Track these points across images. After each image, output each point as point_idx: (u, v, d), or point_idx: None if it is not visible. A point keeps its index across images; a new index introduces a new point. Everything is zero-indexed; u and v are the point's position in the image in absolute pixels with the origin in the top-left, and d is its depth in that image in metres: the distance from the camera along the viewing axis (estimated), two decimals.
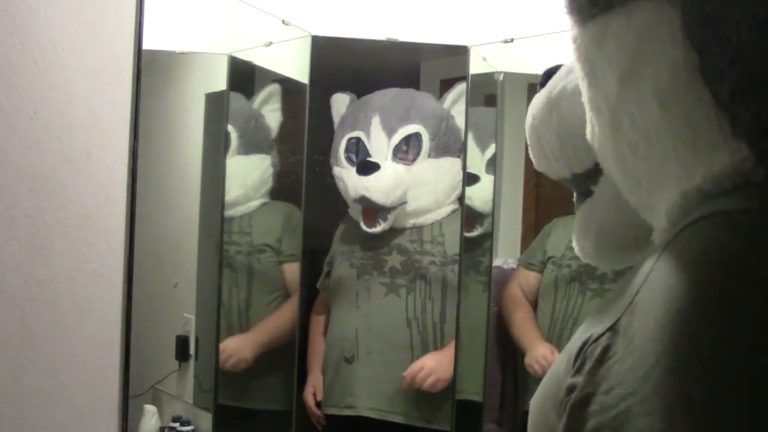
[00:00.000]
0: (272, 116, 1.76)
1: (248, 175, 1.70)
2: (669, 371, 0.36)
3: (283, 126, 1.82)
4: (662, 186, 0.47)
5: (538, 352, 1.57)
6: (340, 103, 1.83)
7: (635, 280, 0.43)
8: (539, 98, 0.67)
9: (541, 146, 0.66)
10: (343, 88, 1.86)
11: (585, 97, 0.52)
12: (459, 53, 1.71)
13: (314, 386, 1.78)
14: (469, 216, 1.73)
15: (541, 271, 1.69)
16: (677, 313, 0.37)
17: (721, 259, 0.37)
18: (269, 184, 1.77)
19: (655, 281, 0.39)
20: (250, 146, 1.71)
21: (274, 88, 1.75)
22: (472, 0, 1.76)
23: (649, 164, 0.48)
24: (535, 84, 0.71)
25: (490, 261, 1.77)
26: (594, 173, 0.59)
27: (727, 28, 0.40)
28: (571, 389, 0.43)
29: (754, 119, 0.40)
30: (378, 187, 1.64)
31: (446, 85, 1.81)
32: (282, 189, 1.87)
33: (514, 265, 1.80)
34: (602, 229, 0.61)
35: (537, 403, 0.50)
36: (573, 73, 0.63)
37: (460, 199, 1.74)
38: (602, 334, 0.43)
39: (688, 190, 0.44)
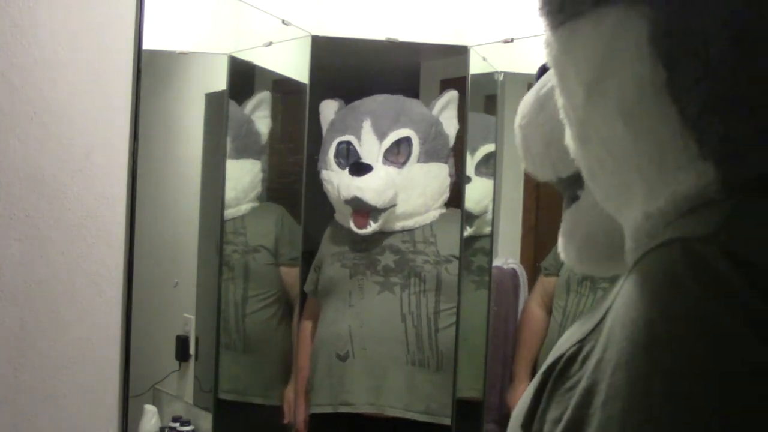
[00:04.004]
0: (263, 122, 1.77)
1: (239, 179, 1.71)
2: (615, 410, 0.35)
3: (274, 132, 1.83)
4: (629, 204, 0.45)
5: (516, 394, 1.64)
6: (329, 108, 1.83)
7: (605, 302, 0.42)
8: (528, 97, 0.65)
9: (528, 147, 0.64)
10: (343, 89, 1.86)
11: (558, 104, 0.50)
12: (459, 53, 1.71)
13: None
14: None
15: (557, 274, 1.70)
16: (629, 354, 0.36)
17: (673, 292, 0.35)
18: (258, 189, 1.77)
19: (620, 309, 0.38)
20: (240, 151, 1.71)
21: (265, 95, 1.76)
22: (472, 0, 1.76)
23: (615, 180, 0.45)
24: None
25: (490, 261, 1.78)
26: (579, 178, 0.56)
27: (697, 43, 0.38)
28: (532, 408, 0.43)
29: (722, 140, 0.38)
30: (370, 188, 1.65)
31: (446, 85, 1.81)
32: (281, 189, 1.87)
33: (515, 265, 1.81)
34: (587, 235, 0.59)
35: (511, 422, 0.50)
36: None
37: (455, 199, 1.75)
38: (563, 355, 0.43)
39: (652, 212, 0.42)
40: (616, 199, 0.46)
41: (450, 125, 1.77)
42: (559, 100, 0.49)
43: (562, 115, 0.49)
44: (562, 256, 0.63)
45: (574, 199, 0.61)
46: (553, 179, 0.63)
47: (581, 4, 0.44)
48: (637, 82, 0.41)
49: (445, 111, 1.77)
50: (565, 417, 0.39)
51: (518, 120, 0.65)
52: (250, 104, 1.73)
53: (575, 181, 0.57)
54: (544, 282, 1.74)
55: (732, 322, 0.33)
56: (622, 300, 0.39)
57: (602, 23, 0.42)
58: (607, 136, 0.44)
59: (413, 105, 1.78)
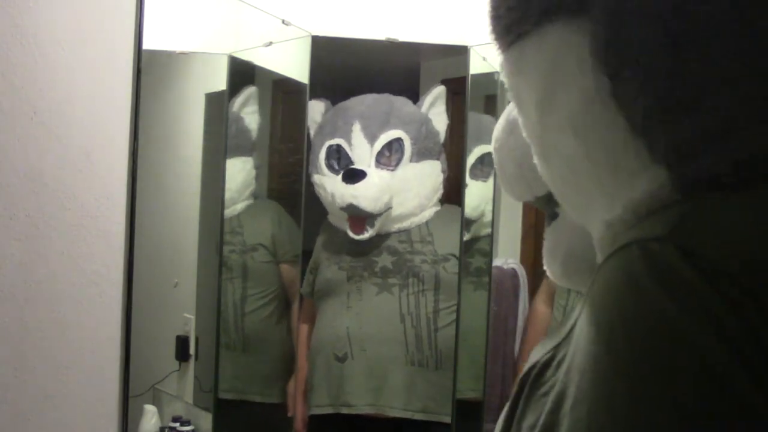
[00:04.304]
0: (251, 118, 1.76)
1: (233, 177, 1.70)
2: (582, 415, 0.36)
3: (273, 131, 1.83)
4: (593, 215, 0.45)
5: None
6: (315, 110, 1.82)
7: (575, 310, 0.43)
8: (501, 120, 0.67)
9: (502, 169, 0.65)
10: (343, 89, 1.86)
11: (520, 124, 0.51)
12: (459, 53, 1.71)
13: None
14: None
15: None
16: (594, 357, 0.36)
17: (631, 292, 0.35)
18: (252, 186, 1.77)
19: (585, 314, 0.39)
20: (232, 149, 1.71)
21: (252, 90, 1.74)
22: (472, 0, 1.76)
23: (578, 193, 0.46)
24: None
25: (490, 261, 1.78)
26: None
27: (636, 52, 0.39)
28: (509, 416, 0.44)
29: (670, 144, 0.39)
30: (366, 195, 1.64)
31: (446, 85, 1.81)
32: (281, 189, 1.87)
33: (515, 265, 1.81)
34: (568, 251, 0.59)
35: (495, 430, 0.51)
36: None
37: (448, 195, 1.75)
38: (537, 361, 0.44)
39: (611, 220, 0.43)
40: (582, 212, 0.47)
41: (439, 121, 1.76)
42: (520, 120, 0.50)
43: (524, 134, 0.50)
44: (548, 272, 0.64)
45: (554, 216, 0.62)
46: (530, 198, 0.64)
47: (525, 25, 0.45)
48: (583, 95, 0.42)
49: (434, 107, 1.77)
50: (540, 422, 0.40)
51: (493, 143, 0.67)
52: (237, 101, 1.72)
53: (551, 199, 0.58)
54: (549, 280, 1.75)
55: (689, 320, 0.33)
56: (587, 306, 0.39)
57: (546, 41, 0.43)
58: (563, 151, 0.45)
59: (402, 104, 1.77)
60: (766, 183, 0.37)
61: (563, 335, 0.43)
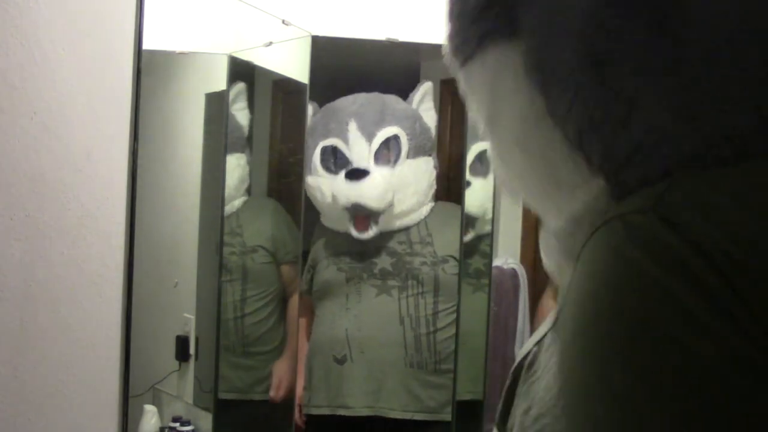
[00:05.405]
0: (242, 114, 1.75)
1: (229, 174, 1.71)
2: (573, 391, 0.36)
3: (263, 125, 1.82)
4: (547, 222, 0.47)
5: None
6: None
7: (562, 296, 0.43)
8: None
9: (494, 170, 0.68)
10: (343, 89, 1.86)
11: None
12: None
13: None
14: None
15: None
16: (579, 331, 0.36)
17: (616, 262, 0.36)
18: (247, 183, 1.77)
19: (570, 293, 0.39)
20: (227, 146, 1.71)
21: (240, 86, 1.74)
22: None
23: (533, 201, 0.48)
24: None
25: (490, 261, 1.77)
26: None
27: (563, 71, 0.40)
28: (505, 406, 0.45)
29: (604, 157, 0.40)
30: (371, 193, 1.64)
31: (446, 85, 1.81)
32: (281, 189, 1.87)
33: (515, 265, 1.81)
34: (562, 252, 0.61)
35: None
36: None
37: (440, 191, 1.76)
38: (530, 351, 0.45)
39: (556, 230, 0.45)
40: (541, 217, 0.49)
41: (429, 117, 1.78)
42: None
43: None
44: (546, 269, 0.64)
45: None
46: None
47: (469, 47, 0.47)
48: (520, 113, 0.44)
49: (423, 103, 1.78)
50: (534, 403, 0.41)
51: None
52: (228, 99, 1.72)
53: None
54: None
55: (676, 284, 0.33)
56: (571, 283, 0.40)
57: (486, 63, 0.45)
58: (512, 165, 0.47)
59: (394, 102, 1.77)
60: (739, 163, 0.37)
61: (552, 321, 0.44)
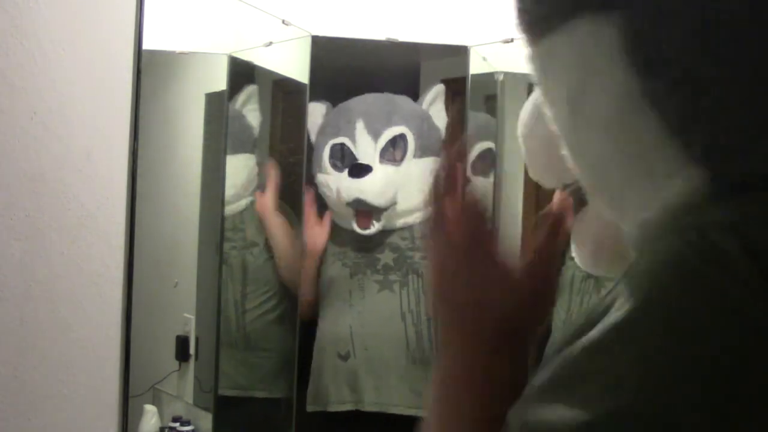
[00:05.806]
0: (253, 116, 1.77)
1: (237, 174, 1.72)
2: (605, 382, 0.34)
3: (273, 130, 1.83)
4: (624, 212, 0.44)
5: None
6: (316, 113, 1.83)
7: (607, 296, 0.41)
8: (527, 105, 0.65)
9: (530, 156, 0.65)
10: (343, 89, 1.86)
11: (549, 115, 0.49)
12: (459, 53, 1.71)
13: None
14: None
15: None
16: (623, 314, 0.34)
17: (676, 271, 0.34)
18: (255, 183, 1.78)
19: (618, 290, 0.37)
20: (236, 146, 1.72)
21: (253, 89, 1.75)
22: (472, 0, 1.76)
23: (609, 190, 0.45)
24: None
25: None
26: None
27: (669, 47, 0.37)
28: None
29: (708, 143, 0.37)
30: (372, 189, 1.66)
31: (446, 85, 1.81)
32: (281, 189, 1.87)
33: None
34: (597, 239, 0.59)
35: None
36: None
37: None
38: (562, 340, 0.41)
39: (645, 220, 0.41)
40: (613, 208, 0.46)
41: (439, 118, 1.78)
42: (549, 113, 0.48)
43: (553, 127, 0.49)
44: (577, 260, 0.63)
45: (583, 204, 0.62)
46: (559, 186, 0.63)
47: (552, 20, 0.43)
48: (614, 94, 0.40)
49: (434, 105, 1.79)
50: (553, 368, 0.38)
51: (519, 129, 0.66)
52: (239, 99, 1.73)
53: (580, 187, 0.57)
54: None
55: (745, 306, 0.31)
56: (624, 281, 0.37)
57: (575, 36, 0.41)
58: (594, 149, 0.43)
59: (403, 102, 1.79)
60: None
61: (589, 314, 0.42)
